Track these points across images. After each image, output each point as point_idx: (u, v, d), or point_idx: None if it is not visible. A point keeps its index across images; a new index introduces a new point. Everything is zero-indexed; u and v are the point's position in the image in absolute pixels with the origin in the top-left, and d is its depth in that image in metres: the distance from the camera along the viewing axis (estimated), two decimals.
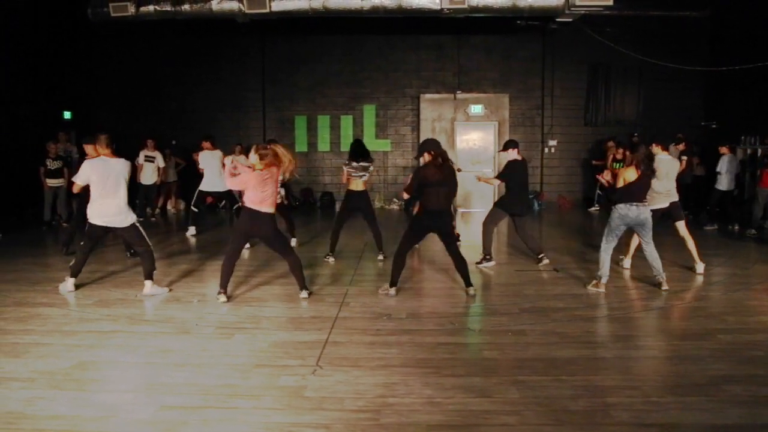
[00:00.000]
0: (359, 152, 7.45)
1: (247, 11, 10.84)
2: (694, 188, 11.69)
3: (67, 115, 13.12)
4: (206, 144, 9.52)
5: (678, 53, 13.08)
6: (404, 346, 4.39)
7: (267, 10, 10.79)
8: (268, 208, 5.41)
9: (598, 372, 3.95)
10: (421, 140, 13.59)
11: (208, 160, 9.38)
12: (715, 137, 12.25)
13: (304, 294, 5.70)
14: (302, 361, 4.08)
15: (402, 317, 5.12)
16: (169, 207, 13.07)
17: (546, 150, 14.23)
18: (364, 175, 7.42)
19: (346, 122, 14.27)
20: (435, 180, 5.57)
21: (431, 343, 4.48)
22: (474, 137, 13.86)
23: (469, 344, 4.51)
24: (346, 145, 14.02)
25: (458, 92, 13.85)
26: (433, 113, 13.87)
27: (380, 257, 7.61)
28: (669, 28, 13.45)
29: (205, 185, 9.35)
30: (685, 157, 10.79)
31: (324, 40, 13.96)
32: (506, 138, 13.64)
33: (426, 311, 5.30)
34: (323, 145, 14.36)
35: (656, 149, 6.73)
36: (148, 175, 11.57)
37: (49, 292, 5.94)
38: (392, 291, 5.77)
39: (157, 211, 12.59)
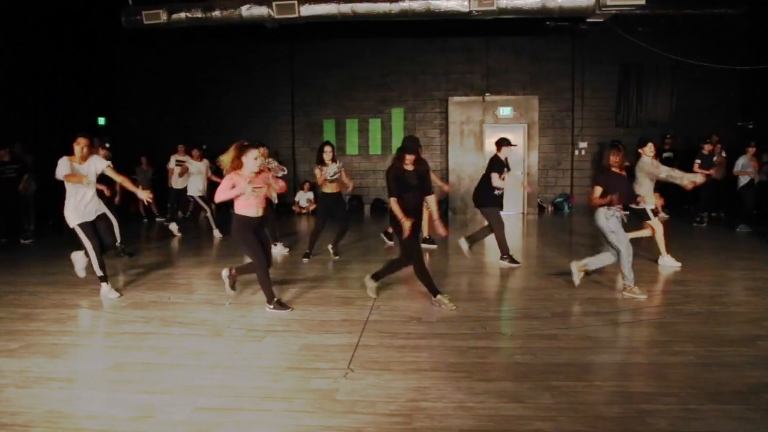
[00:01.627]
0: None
1: (276, 17, 10.97)
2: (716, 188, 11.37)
3: (101, 120, 13.43)
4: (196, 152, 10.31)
5: (713, 52, 12.82)
6: (435, 350, 4.37)
7: (296, 15, 10.90)
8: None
9: (632, 378, 3.88)
10: (450, 143, 13.64)
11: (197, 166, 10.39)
12: (752, 137, 11.93)
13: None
14: (333, 364, 4.10)
15: (433, 321, 5.10)
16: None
17: (576, 152, 14.06)
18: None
19: (375, 125, 14.31)
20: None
21: (462, 347, 4.45)
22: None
23: (500, 348, 4.46)
24: (375, 148, 14.12)
25: (487, 94, 13.77)
26: (462, 116, 13.81)
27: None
28: (703, 27, 13.17)
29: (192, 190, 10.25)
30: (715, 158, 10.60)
31: (352, 44, 14.04)
32: (536, 140, 13.61)
33: (457, 315, 5.26)
34: (351, 148, 14.43)
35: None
36: (180, 180, 11.74)
37: (85, 294, 6.08)
38: (444, 299, 5.51)
39: (188, 214, 12.79)
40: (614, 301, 5.70)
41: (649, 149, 7.26)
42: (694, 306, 5.56)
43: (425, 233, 8.79)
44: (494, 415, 3.31)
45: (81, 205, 5.98)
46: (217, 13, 11.14)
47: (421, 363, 4.12)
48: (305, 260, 7.78)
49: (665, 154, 12.45)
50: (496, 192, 7.33)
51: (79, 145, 6.00)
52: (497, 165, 7.35)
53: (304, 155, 14.52)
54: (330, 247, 8.07)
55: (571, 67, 13.94)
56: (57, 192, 10.35)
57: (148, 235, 11.03)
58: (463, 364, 4.10)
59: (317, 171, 7.67)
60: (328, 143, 7.82)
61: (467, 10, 10.71)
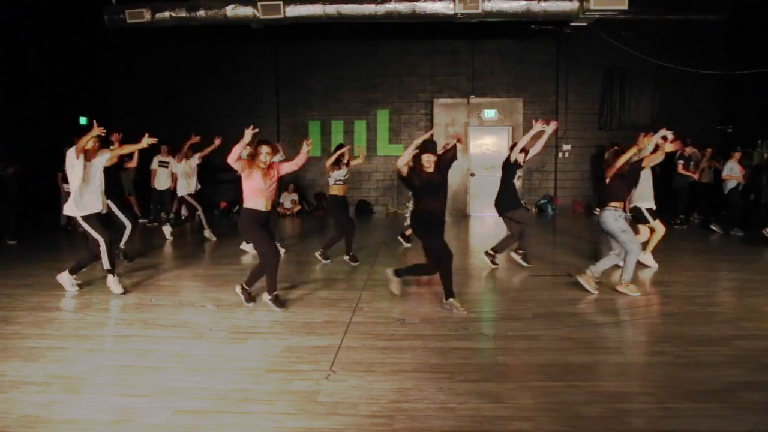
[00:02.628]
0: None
1: (261, 17, 10.94)
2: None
3: (82, 120, 13.29)
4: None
5: (694, 57, 12.99)
6: (418, 351, 4.38)
7: (281, 16, 10.87)
8: None
9: (612, 378, 3.92)
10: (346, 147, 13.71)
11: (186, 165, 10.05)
12: (732, 141, 12.16)
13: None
14: (316, 366, 4.09)
15: (415, 322, 5.11)
16: (183, 212, 13.15)
17: (560, 155, 14.16)
18: None
19: (360, 127, 14.31)
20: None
21: (444, 348, 4.47)
22: (487, 142, 13.84)
23: (482, 349, 4.49)
24: None
25: (472, 97, 13.84)
26: (447, 118, 13.87)
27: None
28: (685, 32, 13.34)
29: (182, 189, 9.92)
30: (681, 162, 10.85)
31: (338, 46, 14.03)
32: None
33: (439, 316, 5.28)
34: None
35: None
36: (162, 181, 11.65)
37: (64, 296, 6.01)
38: (456, 302, 5.48)
39: (172, 216, 12.69)
40: (596, 302, 5.76)
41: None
42: (673, 307, 5.63)
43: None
44: (475, 416, 3.33)
45: (79, 197, 6.00)
46: (201, 13, 11.07)
47: (403, 364, 4.12)
48: (354, 264, 7.64)
49: None
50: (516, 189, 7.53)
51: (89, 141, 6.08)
52: (514, 168, 7.48)
53: (289, 156, 14.42)
54: (318, 253, 7.88)
55: (556, 70, 14.04)
56: (41, 192, 10.26)
57: (131, 236, 10.89)
58: (445, 365, 4.11)
59: (330, 166, 7.68)
60: (344, 146, 7.79)
61: (452, 12, 10.75)
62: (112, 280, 6.13)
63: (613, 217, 5.91)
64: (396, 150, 14.15)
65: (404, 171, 5.49)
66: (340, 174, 7.68)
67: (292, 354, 4.35)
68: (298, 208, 13.66)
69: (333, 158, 7.65)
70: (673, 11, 12.77)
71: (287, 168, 5.79)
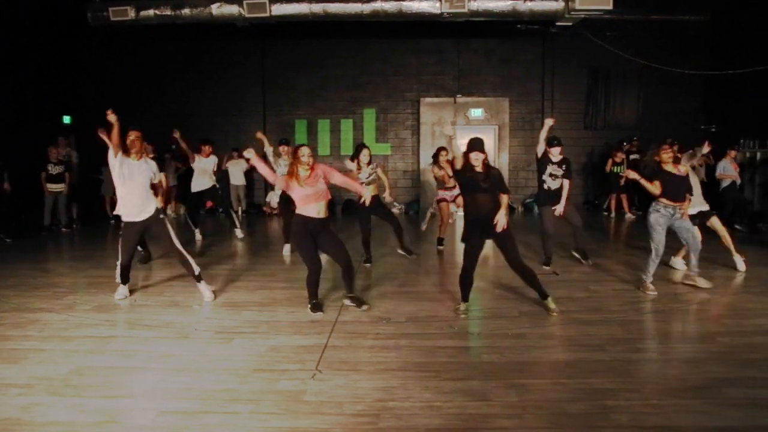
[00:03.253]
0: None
1: (247, 15, 10.89)
2: None
3: (66, 119, 13.15)
4: (207, 148, 9.61)
5: (678, 57, 13.11)
6: (403, 350, 4.39)
7: (267, 15, 10.83)
8: None
9: (597, 375, 3.95)
10: (421, 144, 13.72)
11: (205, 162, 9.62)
12: (715, 141, 12.27)
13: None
14: (301, 366, 4.08)
15: (401, 321, 5.12)
16: (169, 211, 13.08)
17: None
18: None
19: (347, 126, 14.30)
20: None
21: (430, 346, 4.48)
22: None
23: (468, 348, 4.50)
24: (346, 149, 14.07)
25: (458, 96, 13.87)
26: (433, 117, 13.89)
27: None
28: (669, 32, 13.48)
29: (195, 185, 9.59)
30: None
31: (324, 44, 14.00)
32: (506, 142, 13.77)
33: (425, 315, 5.29)
34: (323, 149, 14.37)
35: None
36: None
37: (47, 297, 5.95)
38: (462, 306, 5.43)
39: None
40: (580, 300, 5.79)
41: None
42: (658, 304, 5.68)
43: (441, 233, 8.74)
44: (461, 414, 3.34)
45: (119, 200, 5.83)
46: (186, 11, 11.00)
47: (389, 363, 4.13)
48: (368, 265, 7.52)
49: (632, 156, 12.71)
50: (545, 186, 7.30)
51: (130, 138, 5.81)
52: (540, 164, 7.34)
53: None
54: (399, 250, 7.81)
55: (542, 70, 14.12)
56: (24, 192, 10.11)
57: (115, 236, 10.81)
58: (431, 363, 4.12)
59: (350, 166, 7.53)
60: (365, 145, 7.65)
61: (439, 11, 10.77)
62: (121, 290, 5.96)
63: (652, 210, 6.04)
64: (383, 149, 14.16)
65: (458, 163, 5.30)
66: (362, 175, 7.44)
67: (277, 354, 4.34)
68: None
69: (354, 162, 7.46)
70: (657, 12, 12.91)
71: (336, 179, 5.48)
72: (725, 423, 3.23)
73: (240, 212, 13.37)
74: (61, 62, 13.01)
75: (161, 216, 5.90)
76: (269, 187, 13.98)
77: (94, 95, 13.73)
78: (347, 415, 3.33)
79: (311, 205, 5.24)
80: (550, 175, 7.24)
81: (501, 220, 5.11)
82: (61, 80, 13.00)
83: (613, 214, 12.57)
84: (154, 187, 6.05)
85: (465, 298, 5.41)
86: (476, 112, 13.77)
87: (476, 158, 5.14)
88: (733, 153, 10.37)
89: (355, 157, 7.51)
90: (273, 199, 13.52)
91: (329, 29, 12.85)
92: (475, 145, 5.19)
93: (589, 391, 3.65)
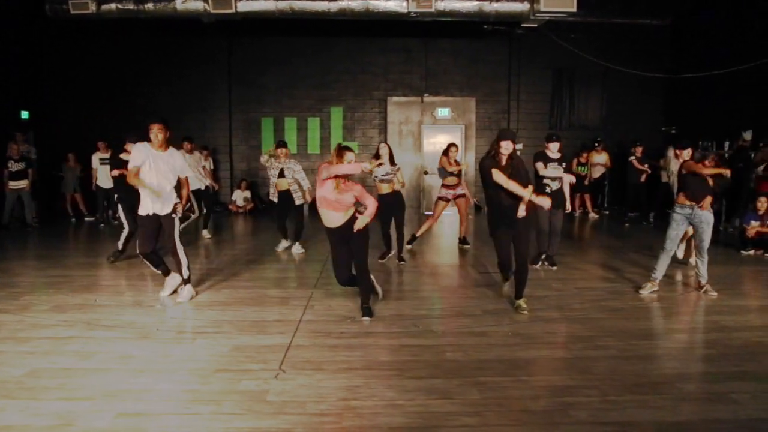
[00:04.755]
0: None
1: (212, 11, 10.72)
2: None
3: (24, 114, 12.77)
4: (187, 146, 9.52)
5: (640, 60, 13.42)
6: (368, 349, 4.39)
7: (232, 11, 10.69)
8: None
9: (558, 372, 4.02)
10: (389, 142, 13.72)
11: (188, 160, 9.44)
12: (675, 142, 12.61)
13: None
14: (264, 365, 4.05)
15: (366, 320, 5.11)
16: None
17: None
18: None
19: (314, 124, 14.21)
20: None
21: (394, 345, 4.49)
22: (441, 140, 13.84)
23: (432, 346, 4.52)
24: (313, 147, 14.01)
25: (425, 95, 13.92)
26: (401, 116, 13.91)
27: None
28: (631, 36, 13.78)
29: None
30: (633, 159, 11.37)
31: (292, 42, 13.89)
32: (473, 141, 13.88)
33: (390, 314, 5.30)
34: (290, 146, 14.21)
35: None
36: (104, 178, 11.18)
37: (2, 297, 5.77)
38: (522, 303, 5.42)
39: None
40: (544, 299, 5.87)
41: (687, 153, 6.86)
42: (618, 302, 5.80)
43: (461, 233, 8.76)
44: (423, 412, 3.35)
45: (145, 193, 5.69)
46: (149, 6, 10.77)
47: (353, 362, 4.12)
48: (402, 263, 7.54)
49: (597, 158, 12.95)
50: (547, 190, 7.05)
51: (152, 132, 5.67)
52: (538, 157, 7.15)
53: (241, 153, 14.25)
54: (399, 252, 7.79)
55: (508, 70, 14.26)
56: None
57: (76, 235, 10.58)
58: (394, 362, 4.14)
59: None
60: (385, 143, 7.68)
61: (406, 11, 10.79)
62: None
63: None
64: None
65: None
66: (379, 171, 7.41)
67: (241, 353, 4.29)
68: (251, 206, 13.48)
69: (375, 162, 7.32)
70: (619, 15, 13.17)
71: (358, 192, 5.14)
72: (681, 417, 3.32)
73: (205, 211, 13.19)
74: (19, 56, 12.61)
75: (173, 215, 5.76)
76: (235, 185, 13.85)
77: (53, 90, 13.38)
78: (310, 415, 3.32)
79: (324, 210, 5.03)
80: (551, 176, 7.05)
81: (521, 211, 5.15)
82: (19, 74, 12.60)
83: (577, 214, 12.80)
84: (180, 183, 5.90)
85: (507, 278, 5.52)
86: (443, 112, 13.85)
87: (506, 148, 5.08)
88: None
89: (375, 155, 7.50)
90: (239, 197, 13.40)
91: (296, 26, 12.76)
92: (506, 135, 5.15)
93: (550, 388, 3.71)
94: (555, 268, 7.27)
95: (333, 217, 5.04)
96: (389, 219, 7.62)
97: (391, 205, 7.51)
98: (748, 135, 10.76)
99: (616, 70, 13.29)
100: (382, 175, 7.44)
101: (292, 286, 6.40)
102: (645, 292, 6.05)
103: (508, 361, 4.15)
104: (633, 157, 11.87)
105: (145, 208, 5.69)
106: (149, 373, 3.92)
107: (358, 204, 5.10)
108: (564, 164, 7.12)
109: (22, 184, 10.41)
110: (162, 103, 13.70)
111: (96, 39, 13.23)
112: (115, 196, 7.77)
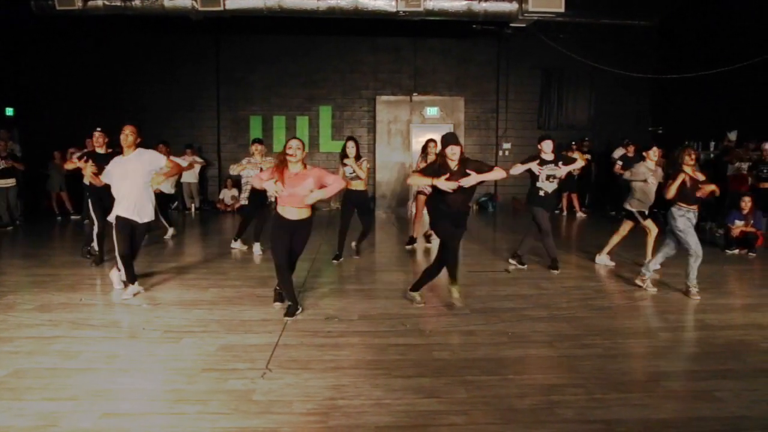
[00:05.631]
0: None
1: (200, 8, 10.64)
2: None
3: (9, 111, 12.64)
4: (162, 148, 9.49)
5: (628, 60, 13.52)
6: (355, 348, 4.39)
7: (221, 8, 10.62)
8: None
9: (544, 371, 4.04)
10: (377, 141, 13.74)
11: None
12: (662, 142, 12.74)
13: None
14: (251, 365, 4.03)
15: (353, 319, 5.11)
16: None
17: (500, 153, 14.46)
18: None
19: (302, 123, 14.18)
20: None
21: (382, 344, 4.49)
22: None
23: (419, 345, 4.52)
24: None
25: (414, 94, 13.94)
26: (389, 115, 13.92)
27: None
28: (619, 36, 13.90)
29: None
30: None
31: (280, 40, 13.85)
32: (462, 141, 13.88)
33: (377, 313, 5.30)
34: (278, 145, 14.16)
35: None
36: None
37: None
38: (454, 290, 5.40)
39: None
40: (530, 297, 5.90)
41: (653, 153, 7.11)
42: (604, 301, 5.85)
43: (414, 232, 8.74)
44: (410, 411, 3.36)
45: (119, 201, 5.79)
46: (137, 2, 10.67)
47: (340, 361, 4.12)
48: (335, 262, 7.44)
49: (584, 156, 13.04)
50: (541, 192, 7.09)
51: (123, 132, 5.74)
52: (533, 159, 7.10)
53: (229, 152, 14.18)
54: (353, 244, 7.84)
55: (497, 70, 14.32)
56: None
57: (62, 233, 10.49)
58: (382, 361, 4.14)
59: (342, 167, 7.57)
60: (350, 138, 7.62)
61: (395, 10, 10.78)
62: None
63: (673, 216, 6.03)
64: (338, 147, 14.03)
65: (427, 191, 5.30)
66: (347, 170, 7.47)
67: (227, 353, 4.28)
68: (239, 204, 13.41)
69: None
70: (607, 16, 13.28)
71: (328, 180, 5.11)
72: (665, 415, 3.34)
73: (194, 209, 13.14)
74: (4, 52, 12.47)
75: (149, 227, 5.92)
76: (223, 184, 13.79)
77: (39, 87, 13.24)
78: (297, 414, 3.31)
79: (287, 207, 5.04)
80: (548, 177, 7.03)
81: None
82: (3, 70, 12.46)
83: (564, 213, 12.88)
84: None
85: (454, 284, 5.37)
86: (432, 111, 13.87)
87: (453, 152, 5.04)
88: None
89: (342, 154, 7.53)
90: (226, 196, 13.35)
91: (285, 25, 12.73)
92: (450, 139, 5.11)
93: (536, 386, 3.72)
94: (525, 267, 7.26)
95: (290, 212, 5.05)
96: (350, 217, 7.61)
97: (353, 203, 7.56)
98: (733, 135, 10.88)
99: (603, 70, 13.37)
100: (350, 173, 7.47)
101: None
102: (693, 297, 5.90)
103: (495, 360, 4.17)
104: (619, 162, 11.65)
105: (123, 210, 5.69)
106: (135, 372, 3.89)
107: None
108: (561, 162, 7.08)
109: (10, 182, 10.30)
110: (150, 101, 13.64)
111: (83, 36, 13.10)
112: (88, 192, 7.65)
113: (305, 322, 5.02)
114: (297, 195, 4.98)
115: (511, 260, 7.39)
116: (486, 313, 5.35)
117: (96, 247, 7.35)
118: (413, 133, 13.92)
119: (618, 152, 12.68)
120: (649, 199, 7.02)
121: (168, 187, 9.61)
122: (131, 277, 5.82)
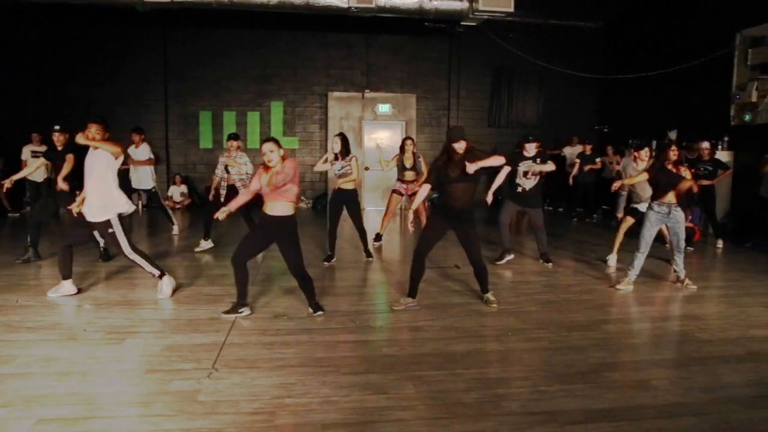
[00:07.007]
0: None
1: (146, 0, 10.35)
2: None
3: None
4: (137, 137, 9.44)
5: (575, 60, 13.88)
6: (304, 346, 4.36)
7: (168, 0, 10.36)
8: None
9: (491, 365, 4.10)
10: (329, 138, 13.66)
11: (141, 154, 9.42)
12: (607, 140, 13.19)
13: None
14: (197, 365, 3.95)
15: (303, 317, 5.07)
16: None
17: None
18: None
19: (253, 119, 13.99)
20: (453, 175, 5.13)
21: (331, 341, 4.47)
22: (381, 136, 13.98)
23: (369, 342, 4.53)
24: (253, 142, 13.75)
25: (366, 91, 13.94)
26: (341, 111, 13.88)
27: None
28: (567, 37, 14.26)
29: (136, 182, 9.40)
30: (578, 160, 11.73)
31: (231, 35, 13.61)
32: (414, 137, 13.95)
33: (328, 309, 5.26)
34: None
35: None
36: (38, 172, 10.68)
37: None
38: (412, 303, 5.40)
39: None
40: (479, 293, 5.97)
41: (644, 154, 7.21)
42: (550, 295, 5.98)
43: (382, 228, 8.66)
44: (358, 408, 3.36)
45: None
46: None
47: (288, 359, 4.08)
48: (326, 263, 7.25)
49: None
50: (519, 189, 7.17)
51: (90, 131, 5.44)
52: (512, 157, 7.12)
53: (178, 147, 13.87)
54: (364, 252, 7.66)
55: (448, 67, 14.45)
56: None
57: (13, 231, 10.04)
58: (331, 358, 4.12)
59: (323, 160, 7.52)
60: (340, 134, 7.41)
61: (346, 6, 10.73)
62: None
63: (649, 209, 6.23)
64: (290, 143, 13.95)
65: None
66: (336, 167, 7.32)
67: (173, 353, 4.18)
68: (188, 201, 13.15)
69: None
70: (555, 16, 13.58)
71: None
72: (607, 405, 3.44)
73: (140, 207, 12.78)
74: None
75: (110, 230, 5.52)
76: (171, 181, 13.47)
77: None
78: (243, 414, 3.26)
79: (269, 204, 4.89)
80: (524, 174, 7.09)
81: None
82: None
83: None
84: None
85: (413, 293, 5.40)
86: (384, 108, 13.90)
87: (460, 148, 5.09)
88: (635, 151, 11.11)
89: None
90: (175, 193, 13.04)
91: (235, 19, 12.51)
92: (457, 134, 5.13)
93: (483, 380, 3.78)
94: (550, 265, 7.30)
95: (271, 206, 4.91)
96: (338, 216, 7.44)
97: (342, 202, 7.37)
98: (673, 134, 11.29)
99: (552, 69, 13.68)
100: (338, 170, 7.31)
101: (228, 283, 6.24)
102: (622, 287, 6.15)
103: (443, 355, 4.21)
104: (578, 161, 11.99)
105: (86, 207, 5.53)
106: (74, 375, 3.76)
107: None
108: (539, 160, 7.13)
109: None
110: (95, 94, 13.19)
111: (24, 26, 12.55)
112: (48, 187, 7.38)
113: (254, 321, 4.95)
114: (279, 191, 4.81)
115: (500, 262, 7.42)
116: (435, 308, 5.39)
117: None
118: (365, 129, 13.92)
119: (568, 150, 13.01)
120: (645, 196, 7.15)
121: (149, 182, 9.52)
122: (67, 274, 5.64)
